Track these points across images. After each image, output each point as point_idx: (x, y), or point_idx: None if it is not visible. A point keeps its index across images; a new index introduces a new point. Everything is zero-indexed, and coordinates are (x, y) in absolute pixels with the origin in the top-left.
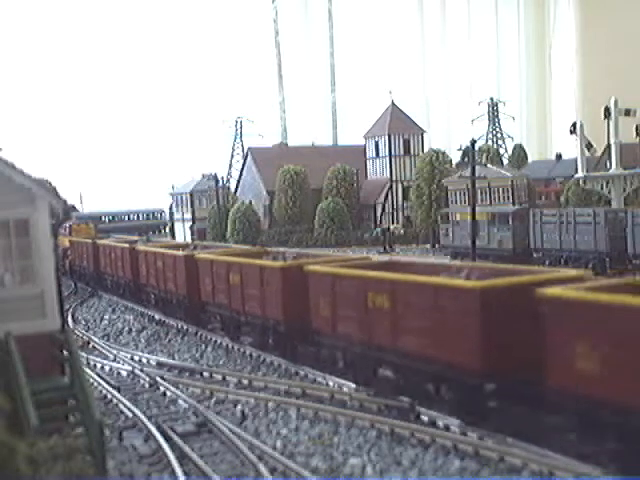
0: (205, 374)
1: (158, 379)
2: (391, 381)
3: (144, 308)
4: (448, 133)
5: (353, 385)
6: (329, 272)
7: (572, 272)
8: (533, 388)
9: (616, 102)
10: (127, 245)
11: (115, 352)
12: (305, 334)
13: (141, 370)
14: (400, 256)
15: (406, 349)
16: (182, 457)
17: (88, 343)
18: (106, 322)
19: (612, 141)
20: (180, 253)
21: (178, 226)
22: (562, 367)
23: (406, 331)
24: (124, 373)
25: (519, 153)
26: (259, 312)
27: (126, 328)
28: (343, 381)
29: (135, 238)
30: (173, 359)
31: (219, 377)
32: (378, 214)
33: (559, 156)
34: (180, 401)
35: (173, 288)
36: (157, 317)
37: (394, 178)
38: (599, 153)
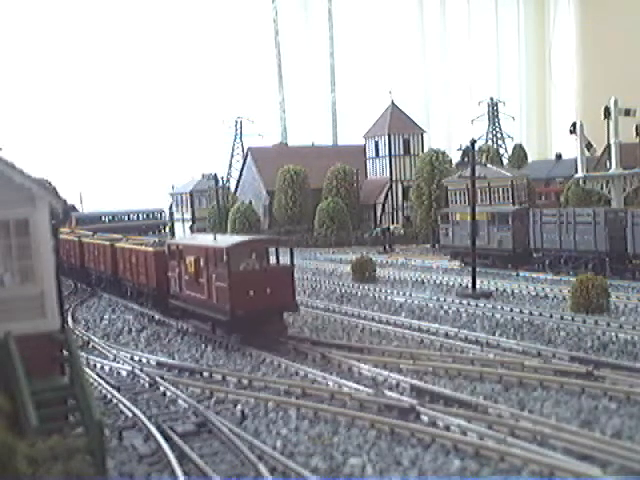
0: (205, 374)
1: (158, 379)
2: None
3: (121, 298)
4: (448, 133)
5: None
6: (161, 250)
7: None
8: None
9: (616, 102)
10: (108, 242)
11: (115, 352)
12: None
13: (141, 370)
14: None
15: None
16: (182, 457)
17: (88, 343)
18: (106, 322)
19: (612, 141)
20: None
21: (178, 226)
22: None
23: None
24: (124, 373)
25: (519, 153)
26: (145, 282)
27: (126, 328)
28: (344, 381)
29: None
30: (173, 359)
31: (219, 377)
32: (378, 214)
33: (559, 156)
34: (180, 401)
35: (129, 275)
36: (157, 317)
37: (394, 178)
38: (599, 153)
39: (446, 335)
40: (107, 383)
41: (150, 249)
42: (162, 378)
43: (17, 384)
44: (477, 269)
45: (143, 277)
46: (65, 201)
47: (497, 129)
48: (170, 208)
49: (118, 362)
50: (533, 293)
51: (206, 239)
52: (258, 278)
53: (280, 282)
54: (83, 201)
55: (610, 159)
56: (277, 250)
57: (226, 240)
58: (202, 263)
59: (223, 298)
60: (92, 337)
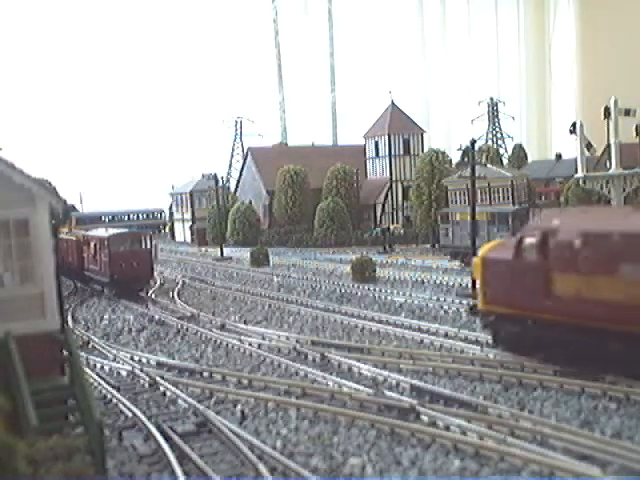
0: (205, 374)
1: (158, 379)
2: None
3: (86, 285)
4: (448, 133)
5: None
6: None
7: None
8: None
9: (616, 102)
10: (74, 237)
11: (115, 352)
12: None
13: (141, 370)
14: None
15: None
16: (182, 457)
17: (88, 343)
18: (106, 322)
19: (612, 141)
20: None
21: (178, 226)
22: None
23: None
24: (124, 373)
25: (519, 153)
26: (72, 262)
27: (126, 328)
28: (344, 381)
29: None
30: (173, 359)
31: (219, 377)
32: (378, 214)
33: (559, 156)
34: (180, 401)
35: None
36: (157, 317)
37: (394, 178)
38: (599, 153)
39: (446, 335)
40: (107, 383)
41: (73, 238)
42: (162, 378)
43: (17, 384)
44: None
45: (74, 258)
46: (65, 201)
47: (497, 129)
48: (170, 208)
49: (118, 362)
50: None
51: (100, 231)
52: (128, 256)
53: (143, 260)
54: (83, 201)
55: (610, 159)
56: (147, 240)
57: (111, 232)
58: (98, 247)
59: (106, 268)
60: (92, 337)
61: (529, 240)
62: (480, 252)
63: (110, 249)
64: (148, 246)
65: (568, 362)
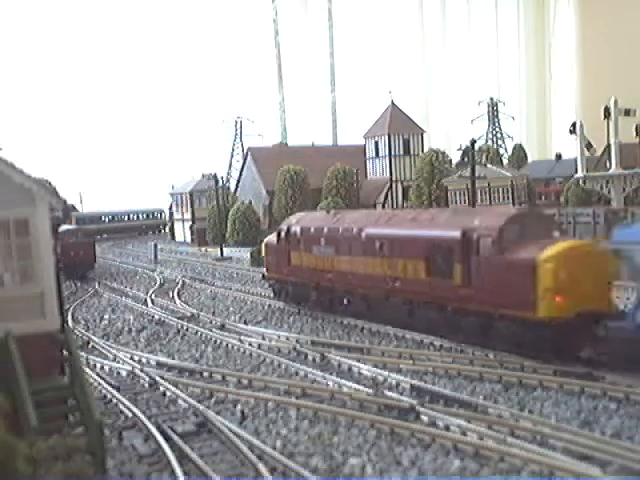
0: (205, 374)
1: (158, 379)
2: None
3: None
4: (448, 133)
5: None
6: None
7: None
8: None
9: (616, 102)
10: None
11: (115, 352)
12: None
13: (141, 370)
14: None
15: None
16: (182, 457)
17: (88, 343)
18: (106, 322)
19: (612, 141)
20: None
21: (178, 226)
22: None
23: None
24: (124, 373)
25: (519, 153)
26: None
27: (126, 328)
28: (344, 381)
29: None
30: (173, 359)
31: (219, 377)
32: None
33: (559, 156)
34: (180, 401)
35: None
36: (157, 317)
37: (394, 178)
38: (599, 153)
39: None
40: (107, 383)
41: None
42: (162, 378)
43: (17, 384)
44: None
45: None
46: (65, 201)
47: (497, 129)
48: (170, 208)
49: (118, 362)
50: None
51: (62, 227)
52: (75, 246)
53: (87, 249)
54: (83, 201)
55: (610, 159)
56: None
57: (63, 227)
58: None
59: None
60: (92, 337)
61: (281, 231)
62: (264, 240)
63: (62, 240)
64: (91, 240)
65: (302, 303)
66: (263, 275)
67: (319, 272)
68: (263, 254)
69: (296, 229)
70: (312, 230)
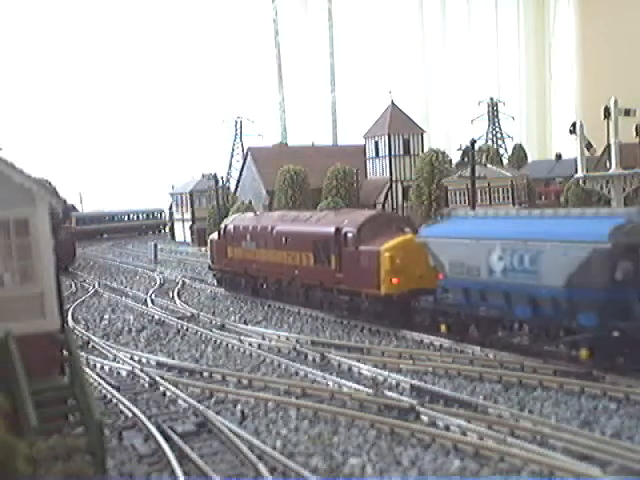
0: (205, 374)
1: (158, 379)
2: None
3: None
4: (448, 133)
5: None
6: None
7: None
8: None
9: (616, 102)
10: None
11: (115, 352)
12: None
13: (141, 370)
14: None
15: None
16: (182, 457)
17: (88, 343)
18: (106, 322)
19: (612, 141)
20: None
21: (178, 226)
22: None
23: None
24: (124, 373)
25: (519, 153)
26: None
27: (126, 328)
28: (344, 381)
29: None
30: (173, 359)
31: (219, 377)
32: None
33: (559, 156)
34: (180, 401)
35: None
36: (157, 317)
37: (394, 178)
38: (599, 153)
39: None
40: (107, 383)
41: None
42: (162, 378)
43: (17, 384)
44: None
45: None
46: (65, 201)
47: (497, 129)
48: (170, 208)
49: (118, 362)
50: None
51: None
52: (58, 243)
53: (68, 246)
54: (83, 201)
55: (610, 159)
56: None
57: None
58: None
59: None
60: (92, 337)
61: (221, 229)
62: (209, 237)
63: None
64: (73, 238)
65: (236, 289)
66: (209, 266)
67: (246, 262)
68: (208, 249)
69: (231, 227)
70: (241, 228)
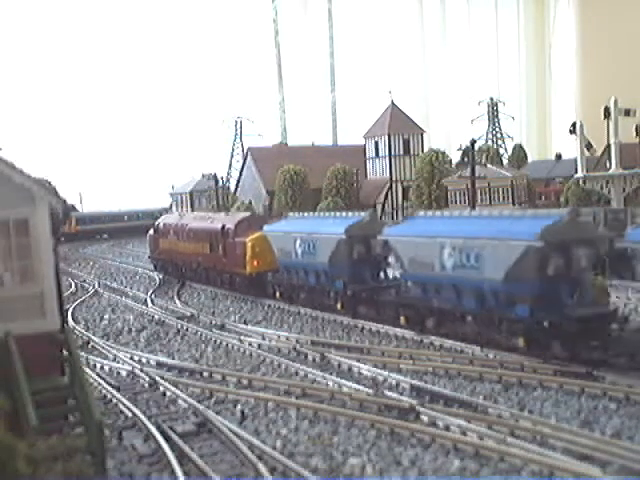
0: (205, 374)
1: (158, 379)
2: None
3: None
4: (448, 133)
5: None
6: None
7: None
8: None
9: (616, 102)
10: None
11: (115, 352)
12: None
13: (141, 370)
14: None
15: None
16: (182, 457)
17: (88, 343)
18: (106, 322)
19: (612, 141)
20: None
21: None
22: None
23: None
24: (124, 373)
25: (519, 153)
26: None
27: (126, 328)
28: (344, 381)
29: None
30: (173, 359)
31: (219, 377)
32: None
33: (559, 156)
34: (180, 401)
35: None
36: (157, 317)
37: (394, 178)
38: (599, 153)
39: (446, 335)
40: (107, 383)
41: None
42: (162, 378)
43: (17, 384)
44: None
45: None
46: (65, 201)
47: (497, 129)
48: (170, 208)
49: (118, 362)
50: None
51: None
52: None
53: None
54: (83, 201)
55: (610, 159)
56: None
57: None
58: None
59: None
60: (92, 337)
61: (155, 226)
62: (148, 232)
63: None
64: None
65: (166, 273)
66: (149, 255)
67: (171, 252)
68: (147, 242)
69: (161, 225)
70: (168, 225)
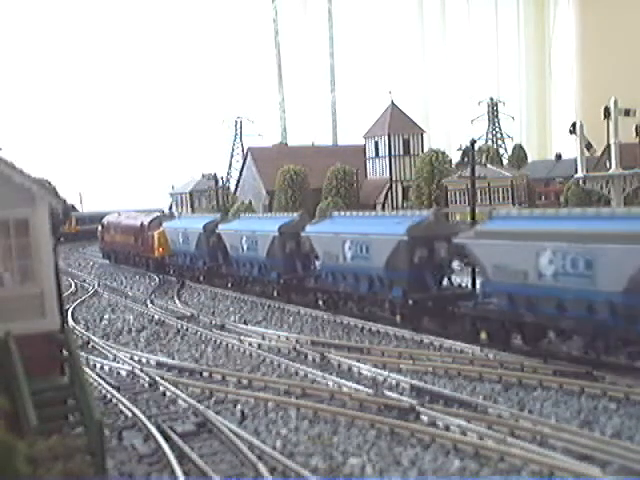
0: (205, 374)
1: (158, 379)
2: None
3: None
4: (448, 133)
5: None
6: None
7: None
8: None
9: (616, 102)
10: None
11: (115, 352)
12: None
13: (141, 370)
14: None
15: None
16: (182, 457)
17: (88, 343)
18: (106, 322)
19: (612, 141)
20: None
21: None
22: None
23: None
24: (124, 373)
25: (519, 153)
26: None
27: (126, 328)
28: (344, 381)
29: None
30: (173, 359)
31: (219, 377)
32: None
33: (559, 156)
34: (180, 401)
35: None
36: (156, 317)
37: (394, 178)
38: (599, 153)
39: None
40: (107, 383)
41: None
42: (162, 378)
43: (17, 384)
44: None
45: None
46: (65, 201)
47: (497, 129)
48: (170, 208)
49: (118, 362)
50: None
51: None
52: None
53: None
54: (83, 201)
55: (610, 159)
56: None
57: None
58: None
59: None
60: (92, 337)
61: (101, 223)
62: (98, 228)
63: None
64: None
65: (110, 260)
66: (100, 247)
67: (112, 243)
68: (99, 236)
69: (105, 222)
70: (110, 222)
